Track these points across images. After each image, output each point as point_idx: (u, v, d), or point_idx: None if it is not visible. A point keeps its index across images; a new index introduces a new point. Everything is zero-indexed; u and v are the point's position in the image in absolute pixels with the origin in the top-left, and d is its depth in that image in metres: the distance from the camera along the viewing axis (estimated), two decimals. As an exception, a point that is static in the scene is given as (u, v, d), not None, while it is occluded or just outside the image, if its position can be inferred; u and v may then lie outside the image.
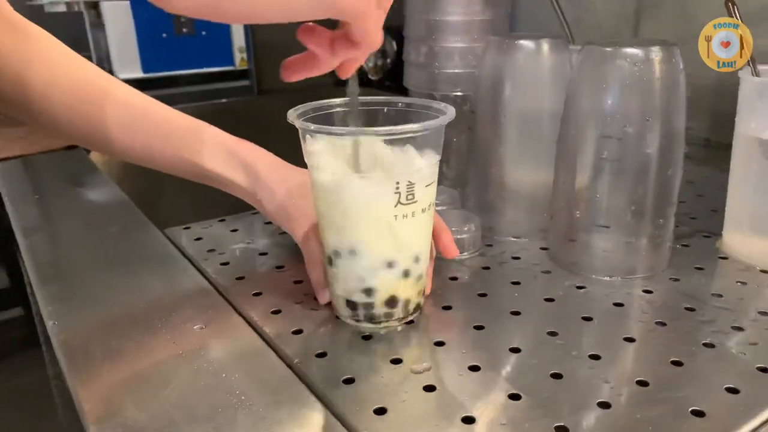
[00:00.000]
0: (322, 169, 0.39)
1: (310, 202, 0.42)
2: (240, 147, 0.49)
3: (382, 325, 0.40)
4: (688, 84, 0.45)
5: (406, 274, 0.40)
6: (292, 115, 0.40)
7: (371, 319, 0.40)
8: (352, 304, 0.40)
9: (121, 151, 0.48)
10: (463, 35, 0.55)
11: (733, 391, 0.33)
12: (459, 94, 0.57)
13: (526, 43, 0.50)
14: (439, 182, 0.60)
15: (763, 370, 0.35)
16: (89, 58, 1.36)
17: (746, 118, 0.47)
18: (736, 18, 0.50)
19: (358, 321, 0.41)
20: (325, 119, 0.42)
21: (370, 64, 1.32)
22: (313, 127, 0.38)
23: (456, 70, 0.56)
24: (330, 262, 0.40)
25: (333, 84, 1.35)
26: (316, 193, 0.40)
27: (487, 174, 0.54)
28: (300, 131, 0.40)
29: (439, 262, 0.49)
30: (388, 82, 1.31)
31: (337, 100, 0.44)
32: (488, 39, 0.52)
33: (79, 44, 1.39)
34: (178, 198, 1.15)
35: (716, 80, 0.78)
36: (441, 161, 0.60)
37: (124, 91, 0.48)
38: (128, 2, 1.23)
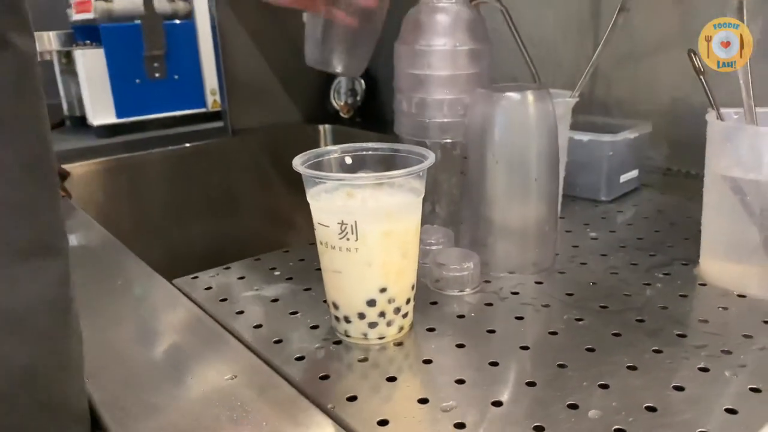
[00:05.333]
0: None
1: None
2: None
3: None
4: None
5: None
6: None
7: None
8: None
9: None
10: (450, 88, 0.58)
11: (732, 411, 0.37)
12: (449, 140, 0.60)
13: (513, 95, 0.53)
14: (432, 222, 0.63)
15: (755, 390, 0.38)
16: (59, 104, 1.35)
17: (715, 158, 0.51)
18: (701, 68, 0.55)
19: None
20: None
21: (341, 103, 1.35)
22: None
23: (445, 120, 0.59)
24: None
25: (304, 121, 1.38)
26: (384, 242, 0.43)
27: (479, 213, 0.57)
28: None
29: (444, 298, 0.52)
30: (359, 119, 1.35)
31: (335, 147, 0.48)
32: (477, 91, 0.55)
33: (48, 90, 1.38)
34: (165, 235, 1.16)
35: (671, 110, 0.84)
36: (433, 201, 0.64)
37: None
38: (102, 50, 1.23)
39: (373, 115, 1.34)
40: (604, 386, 0.39)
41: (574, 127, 0.78)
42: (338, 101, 1.37)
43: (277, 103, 1.35)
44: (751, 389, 0.39)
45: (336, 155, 0.48)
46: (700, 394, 0.38)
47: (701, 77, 0.54)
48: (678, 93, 0.84)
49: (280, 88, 1.35)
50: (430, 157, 0.44)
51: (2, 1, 0.29)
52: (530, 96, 0.53)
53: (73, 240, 0.72)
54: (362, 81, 1.35)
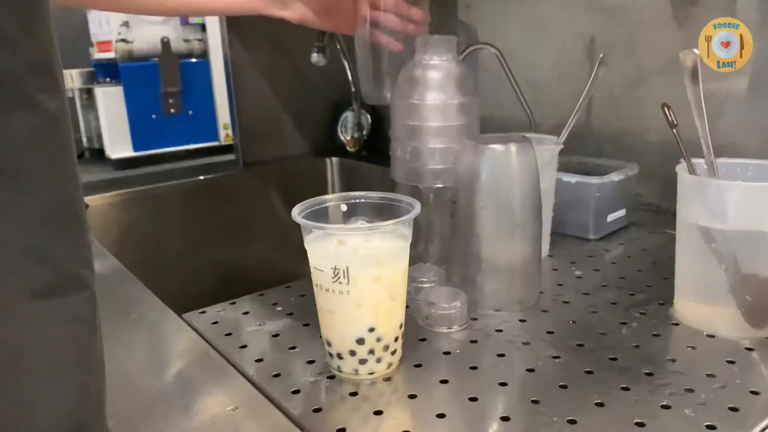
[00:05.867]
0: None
1: None
2: None
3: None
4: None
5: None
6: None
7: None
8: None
9: None
10: (441, 137, 0.62)
11: (687, 446, 0.40)
12: (440, 185, 0.64)
13: (497, 147, 0.57)
14: (426, 260, 0.67)
15: (711, 427, 0.42)
16: (80, 137, 1.41)
17: (685, 207, 0.55)
18: (674, 122, 0.59)
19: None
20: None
21: (348, 137, 1.40)
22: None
23: (437, 166, 0.63)
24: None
25: (312, 154, 1.43)
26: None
27: (468, 254, 0.61)
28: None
29: (432, 335, 0.56)
30: (365, 152, 1.39)
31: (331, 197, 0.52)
32: (465, 142, 0.60)
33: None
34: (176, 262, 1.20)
35: (662, 148, 0.88)
36: (427, 241, 0.68)
37: None
38: (121, 87, 1.29)
39: (378, 149, 1.39)
40: (572, 422, 0.43)
41: (566, 167, 0.82)
42: (345, 135, 1.42)
43: (287, 137, 1.40)
44: (707, 426, 0.42)
45: (332, 203, 0.52)
46: (659, 430, 0.42)
47: (674, 130, 0.58)
48: (669, 131, 0.88)
49: (290, 123, 1.40)
50: (416, 207, 0.48)
51: (33, 64, 0.32)
52: (513, 148, 0.58)
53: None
54: (368, 116, 1.40)
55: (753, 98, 0.78)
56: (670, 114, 0.58)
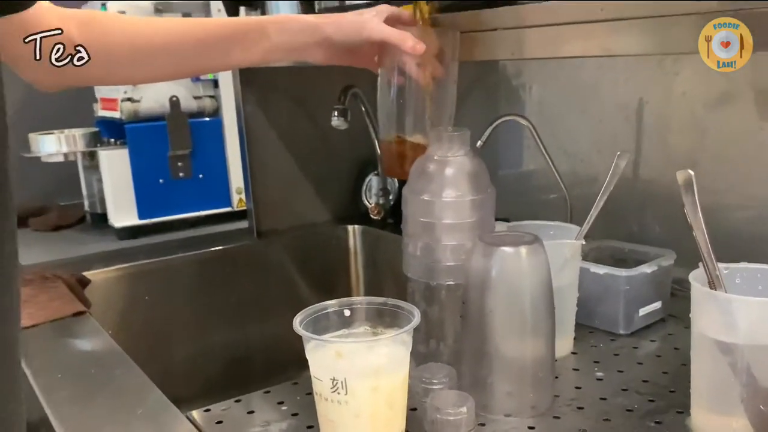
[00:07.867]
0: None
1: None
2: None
3: None
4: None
5: None
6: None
7: None
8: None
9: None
10: (454, 234, 0.74)
11: None
12: (452, 283, 0.75)
13: (507, 250, 0.69)
14: (437, 358, 0.78)
15: None
16: (82, 203, 1.55)
17: (698, 317, 0.65)
18: (690, 219, 0.69)
19: None
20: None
21: (372, 204, 1.52)
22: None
23: (449, 263, 0.74)
24: None
25: (333, 221, 1.56)
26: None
27: (478, 356, 0.72)
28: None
29: (437, 444, 0.66)
30: (390, 220, 1.51)
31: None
32: (476, 241, 0.71)
33: (70, 188, 1.61)
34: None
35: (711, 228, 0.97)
36: (438, 339, 0.79)
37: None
38: (126, 150, 1.45)
39: (405, 218, 1.50)
40: None
41: (598, 254, 0.92)
42: (369, 201, 1.54)
43: (306, 203, 1.53)
44: None
45: (334, 309, 0.64)
46: None
47: (694, 233, 0.68)
48: (719, 213, 0.94)
49: (309, 187, 1.53)
50: (416, 317, 0.60)
51: None
52: (523, 250, 0.69)
53: (92, 363, 0.89)
54: (395, 180, 1.52)
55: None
56: (689, 216, 0.68)
